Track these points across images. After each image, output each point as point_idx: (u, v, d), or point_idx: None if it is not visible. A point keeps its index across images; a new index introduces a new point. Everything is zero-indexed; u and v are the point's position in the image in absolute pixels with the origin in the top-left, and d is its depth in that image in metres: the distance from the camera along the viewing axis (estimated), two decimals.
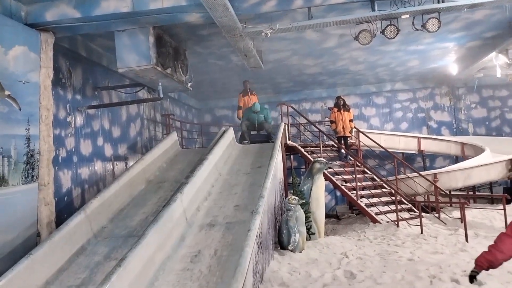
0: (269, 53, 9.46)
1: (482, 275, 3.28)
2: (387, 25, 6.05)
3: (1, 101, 5.20)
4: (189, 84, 7.95)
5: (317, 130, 9.86)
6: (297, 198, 6.50)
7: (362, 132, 11.13)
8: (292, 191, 7.46)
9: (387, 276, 5.11)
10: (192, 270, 4.53)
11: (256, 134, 10.51)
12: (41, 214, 5.82)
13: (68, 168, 6.93)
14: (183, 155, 9.41)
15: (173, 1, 5.56)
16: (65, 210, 6.66)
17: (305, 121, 11.36)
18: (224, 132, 9.36)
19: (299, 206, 6.43)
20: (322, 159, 8.06)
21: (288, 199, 6.47)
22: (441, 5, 5.76)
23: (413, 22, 6.26)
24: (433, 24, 5.82)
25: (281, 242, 6.39)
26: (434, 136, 13.36)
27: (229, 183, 7.21)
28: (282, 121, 9.90)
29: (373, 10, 5.94)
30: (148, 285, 4.21)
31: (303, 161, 11.00)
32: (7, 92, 5.29)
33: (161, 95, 7.41)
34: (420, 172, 10.02)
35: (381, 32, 6.15)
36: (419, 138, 12.90)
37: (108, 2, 5.71)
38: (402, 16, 5.89)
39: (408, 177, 9.93)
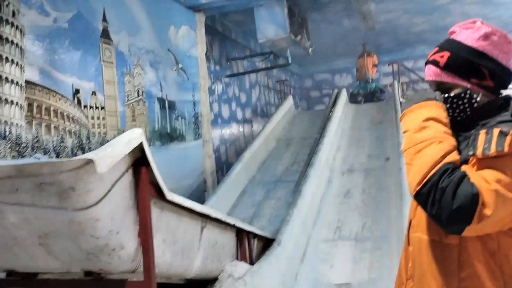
0: (380, 14, 9.80)
1: None
2: None
3: (177, 73, 6.41)
4: (310, 50, 8.68)
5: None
6: None
7: None
8: None
9: None
10: (348, 203, 5.42)
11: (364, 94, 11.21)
12: (205, 165, 7.07)
13: (216, 129, 8.15)
14: (300, 117, 10.31)
15: None
16: (217, 163, 7.90)
17: (407, 80, 11.64)
18: (338, 93, 10.06)
19: None
20: None
21: None
22: None
23: None
24: None
25: None
26: None
27: (355, 138, 7.95)
28: (394, 80, 10.30)
29: None
30: (316, 212, 5.19)
31: None
32: (180, 65, 6.48)
33: (290, 61, 8.26)
34: None
35: None
36: None
37: None
38: None
39: None
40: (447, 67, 1.28)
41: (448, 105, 1.28)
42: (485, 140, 1.07)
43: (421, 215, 1.25)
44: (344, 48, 12.49)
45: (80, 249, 2.12)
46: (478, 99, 1.25)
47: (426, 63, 1.36)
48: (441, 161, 1.11)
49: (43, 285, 2.49)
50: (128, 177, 2.20)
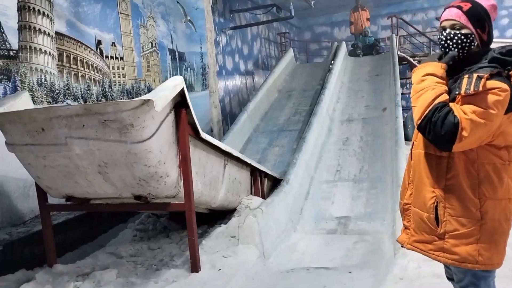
0: None
1: None
2: None
3: (185, 25, 6.64)
4: (312, 2, 8.84)
5: (428, 39, 10.37)
6: None
7: None
8: None
9: None
10: (347, 150, 5.90)
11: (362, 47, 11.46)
12: (212, 114, 7.48)
13: (221, 80, 8.46)
14: (300, 69, 10.58)
15: None
16: (222, 113, 8.29)
17: (405, 33, 11.85)
18: (338, 46, 10.30)
19: None
20: None
21: None
22: None
23: None
24: None
25: (406, 135, 7.51)
26: None
27: (353, 90, 8.32)
28: (392, 33, 10.53)
29: None
30: (318, 157, 5.68)
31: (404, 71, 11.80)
32: (188, 17, 6.71)
33: (293, 14, 8.44)
34: None
35: None
36: None
37: None
38: None
39: None
40: (467, 13, 1.68)
41: (454, 40, 1.69)
42: (467, 82, 1.52)
43: (421, 137, 1.71)
44: (343, 0, 12.52)
45: (133, 176, 2.57)
46: (475, 44, 1.69)
47: (449, 7, 1.75)
48: (433, 102, 1.58)
49: (97, 208, 2.97)
50: (171, 118, 2.62)
